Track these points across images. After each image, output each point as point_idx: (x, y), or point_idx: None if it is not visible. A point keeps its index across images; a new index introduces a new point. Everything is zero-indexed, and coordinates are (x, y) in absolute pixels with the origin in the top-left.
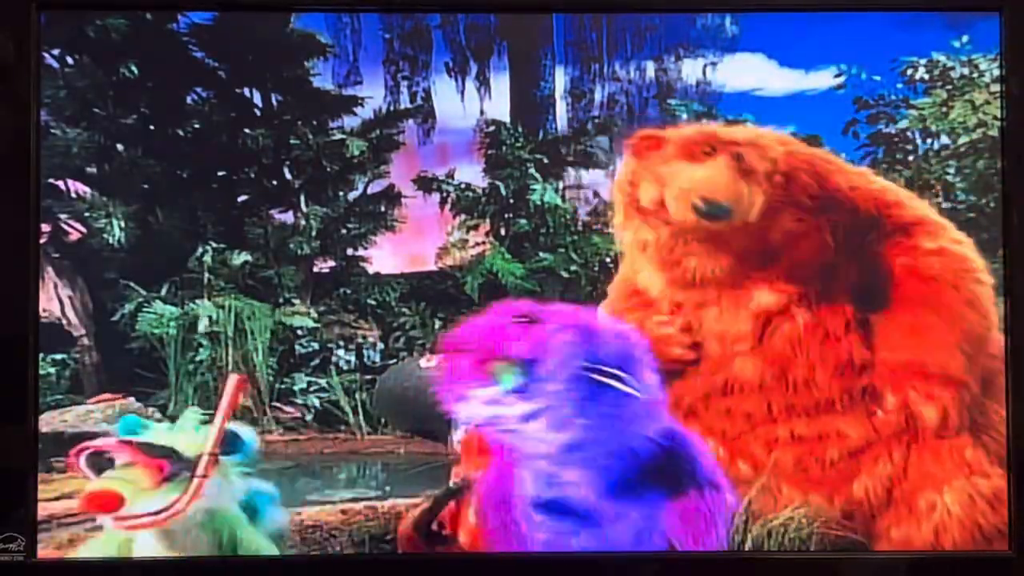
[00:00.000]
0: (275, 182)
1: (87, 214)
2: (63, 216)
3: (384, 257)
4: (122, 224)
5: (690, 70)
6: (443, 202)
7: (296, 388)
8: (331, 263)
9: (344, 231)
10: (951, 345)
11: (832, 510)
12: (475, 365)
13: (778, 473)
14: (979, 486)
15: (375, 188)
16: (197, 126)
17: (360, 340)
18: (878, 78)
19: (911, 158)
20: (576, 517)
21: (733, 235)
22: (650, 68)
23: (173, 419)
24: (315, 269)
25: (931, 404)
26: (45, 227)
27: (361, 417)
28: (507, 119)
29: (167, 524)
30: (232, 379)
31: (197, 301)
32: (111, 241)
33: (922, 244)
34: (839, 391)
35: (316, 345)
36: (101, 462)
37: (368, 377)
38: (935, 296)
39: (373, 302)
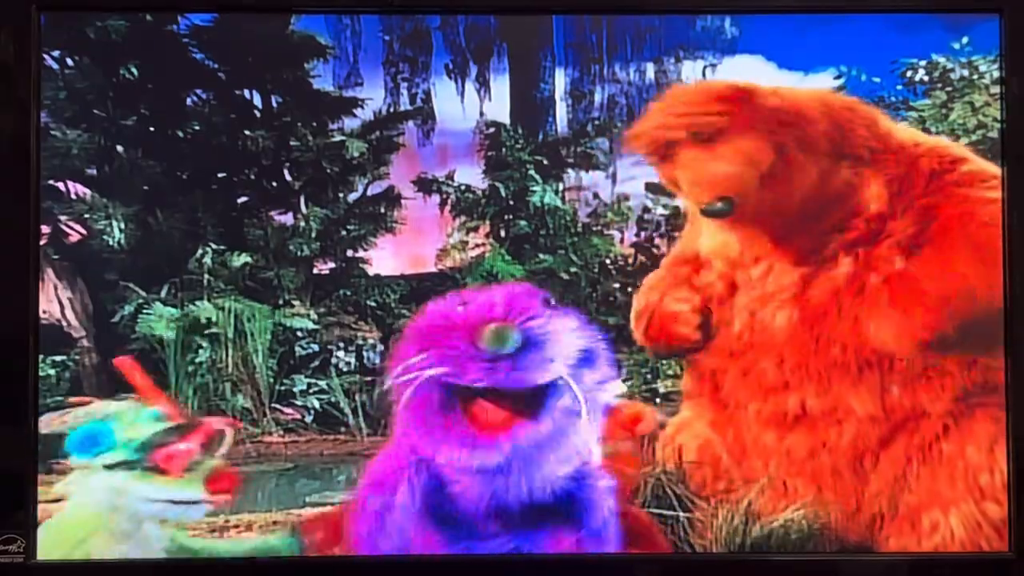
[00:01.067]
0: (275, 184)
1: (87, 216)
2: (63, 217)
3: (384, 259)
4: (122, 226)
5: (690, 72)
6: (443, 204)
7: (296, 390)
8: (331, 264)
9: (344, 233)
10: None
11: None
12: (475, 324)
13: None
14: (989, 512)
15: (375, 190)
16: (197, 127)
17: (360, 342)
18: (878, 80)
19: None
20: (454, 526)
21: (788, 190)
22: (650, 70)
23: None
24: (315, 271)
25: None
26: (45, 228)
27: (361, 419)
28: (507, 121)
29: None
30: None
31: (197, 303)
32: (111, 243)
33: (977, 194)
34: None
35: (316, 347)
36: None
37: (368, 379)
38: (980, 240)
39: (373, 304)
